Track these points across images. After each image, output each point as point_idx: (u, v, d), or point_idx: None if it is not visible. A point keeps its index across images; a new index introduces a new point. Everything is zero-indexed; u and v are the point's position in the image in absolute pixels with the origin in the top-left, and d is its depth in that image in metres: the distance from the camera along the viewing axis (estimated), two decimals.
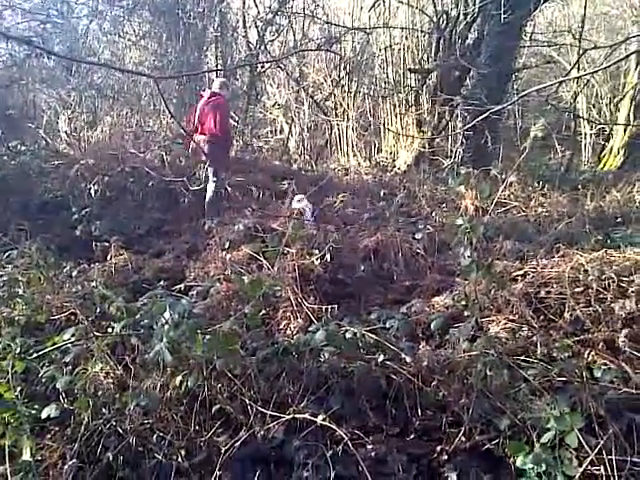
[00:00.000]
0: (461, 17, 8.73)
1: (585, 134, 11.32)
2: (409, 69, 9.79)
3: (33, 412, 2.42)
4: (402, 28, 9.89)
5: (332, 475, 2.22)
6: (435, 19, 9.14)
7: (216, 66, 10.96)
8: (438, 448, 2.43)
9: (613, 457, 2.05)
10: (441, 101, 8.93)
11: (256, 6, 10.25)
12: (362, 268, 4.69)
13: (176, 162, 8.20)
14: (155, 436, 2.46)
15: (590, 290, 3.43)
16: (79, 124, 9.43)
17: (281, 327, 3.64)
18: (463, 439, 2.43)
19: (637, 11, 10.42)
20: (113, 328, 2.92)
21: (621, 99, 10.93)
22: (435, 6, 9.10)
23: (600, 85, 11.56)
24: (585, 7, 7.20)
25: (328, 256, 4.43)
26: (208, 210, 6.80)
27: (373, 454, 2.35)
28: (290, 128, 10.96)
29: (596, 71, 8.16)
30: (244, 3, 10.45)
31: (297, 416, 2.44)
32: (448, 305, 3.69)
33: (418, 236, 5.03)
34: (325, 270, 4.37)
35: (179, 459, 2.39)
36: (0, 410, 2.29)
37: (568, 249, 4.10)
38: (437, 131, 9.25)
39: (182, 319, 2.53)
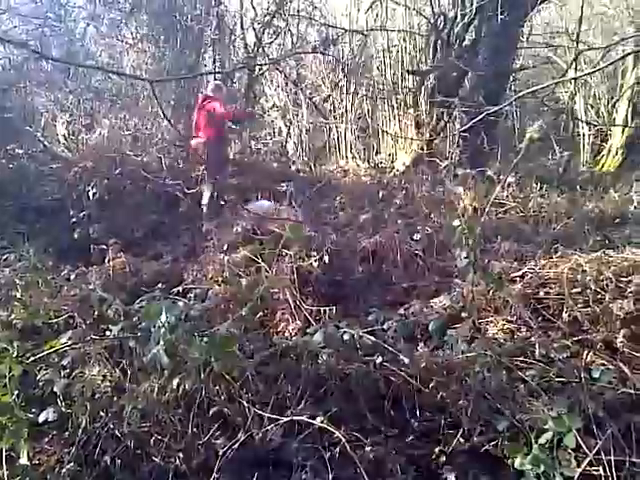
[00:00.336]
0: (458, 18, 8.73)
1: (583, 135, 11.32)
2: (407, 71, 9.78)
3: (30, 416, 2.42)
4: (399, 30, 9.88)
5: (330, 477, 2.22)
6: (432, 20, 9.14)
7: (214, 69, 10.97)
8: (437, 449, 2.43)
9: (612, 458, 2.06)
10: (439, 103, 8.92)
11: (253, 8, 10.24)
12: (360, 270, 4.69)
13: (174, 165, 8.19)
14: (153, 439, 2.46)
15: (588, 291, 3.43)
16: (77, 127, 9.41)
17: (279, 329, 3.64)
18: (462, 440, 2.43)
19: (634, 12, 10.42)
20: (111, 331, 2.91)
21: (617, 100, 10.95)
22: (433, 8, 9.10)
23: (597, 86, 11.57)
24: (582, 8, 7.20)
25: (326, 258, 4.42)
26: (206, 212, 6.80)
27: (372, 456, 2.35)
28: (288, 130, 10.96)
29: (592, 72, 8.16)
30: (241, 5, 10.44)
31: (295, 418, 2.44)
32: (446, 306, 3.69)
33: (416, 237, 5.03)
34: (323, 272, 4.37)
35: (177, 462, 2.38)
36: None
37: (566, 250, 4.10)
38: (435, 132, 9.25)
39: (179, 321, 2.53)
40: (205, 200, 6.87)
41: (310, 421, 2.40)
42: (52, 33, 11.08)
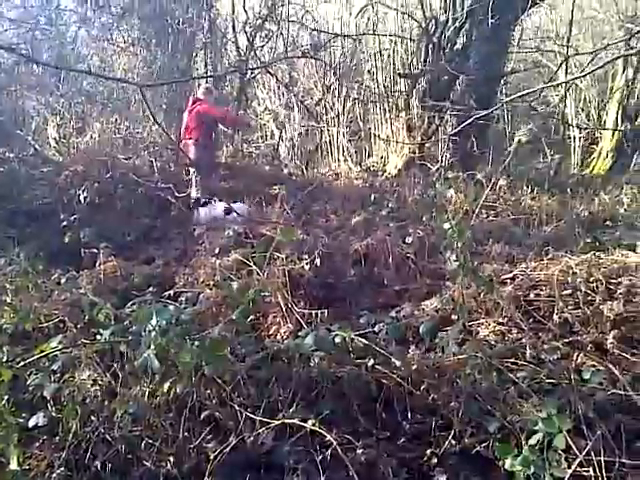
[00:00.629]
0: (450, 22, 8.78)
1: (574, 138, 11.40)
2: (399, 74, 9.83)
3: (20, 420, 2.40)
4: (390, 35, 9.92)
5: None
6: (424, 24, 9.18)
7: (205, 72, 10.98)
8: (428, 451, 2.43)
9: (602, 458, 2.06)
10: (431, 106, 8.96)
11: (245, 12, 10.25)
12: (352, 272, 4.69)
13: (165, 168, 8.19)
14: (144, 443, 2.44)
15: (579, 292, 3.44)
16: (68, 130, 9.38)
17: (271, 332, 3.63)
18: (453, 442, 2.43)
19: (623, 16, 10.52)
20: (101, 335, 2.90)
21: (607, 103, 11.03)
22: (424, 11, 9.15)
23: (587, 89, 11.66)
24: (572, 12, 7.27)
25: (318, 261, 4.42)
26: (197, 216, 6.82)
27: (363, 458, 2.34)
28: (280, 133, 10.97)
29: (580, 76, 8.22)
30: (233, 9, 10.45)
31: (287, 421, 2.43)
32: (437, 309, 3.70)
33: (408, 240, 5.04)
34: (315, 275, 4.36)
35: (168, 466, 2.37)
36: None
37: (557, 252, 4.12)
38: (427, 136, 9.28)
39: (170, 325, 2.52)
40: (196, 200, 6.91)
41: (302, 424, 2.39)
42: (43, 37, 11.05)
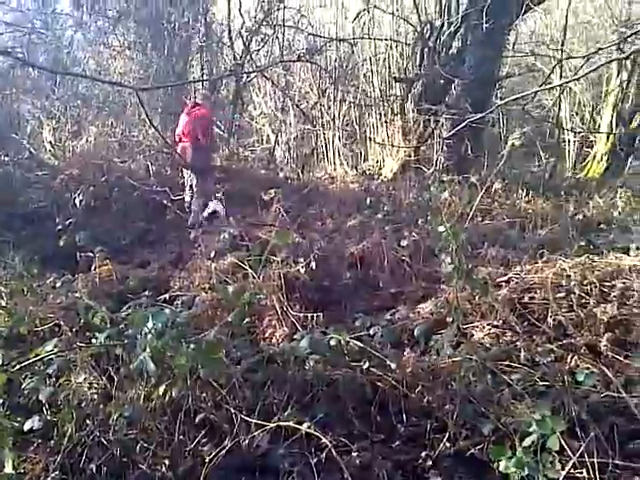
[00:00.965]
0: (445, 27, 8.82)
1: (568, 141, 11.44)
2: (394, 78, 9.86)
3: (16, 424, 2.40)
4: (386, 39, 9.95)
5: None
6: (419, 29, 9.22)
7: (201, 76, 10.98)
8: (423, 454, 2.44)
9: (595, 460, 2.07)
10: (426, 110, 8.99)
11: (241, 16, 10.26)
12: (348, 275, 4.70)
13: (161, 172, 8.19)
14: (139, 446, 2.44)
15: (573, 295, 3.46)
16: (63, 134, 9.37)
17: (266, 335, 3.64)
18: (448, 444, 2.44)
19: (617, 20, 10.58)
20: (97, 339, 2.90)
21: (602, 107, 11.08)
22: (419, 16, 9.19)
23: (582, 93, 11.71)
24: (567, 17, 7.31)
25: (314, 264, 4.43)
26: (192, 219, 6.82)
27: (358, 461, 2.36)
28: (276, 137, 10.98)
29: (573, 80, 8.24)
30: (229, 13, 10.47)
31: (282, 424, 2.43)
32: (432, 312, 3.71)
33: (404, 243, 5.05)
34: (310, 278, 4.37)
35: (163, 469, 2.37)
36: None
37: (551, 255, 4.15)
38: (422, 140, 9.30)
39: (166, 329, 2.52)
40: (192, 205, 6.92)
41: (297, 427, 2.39)
42: (39, 40, 11.04)
